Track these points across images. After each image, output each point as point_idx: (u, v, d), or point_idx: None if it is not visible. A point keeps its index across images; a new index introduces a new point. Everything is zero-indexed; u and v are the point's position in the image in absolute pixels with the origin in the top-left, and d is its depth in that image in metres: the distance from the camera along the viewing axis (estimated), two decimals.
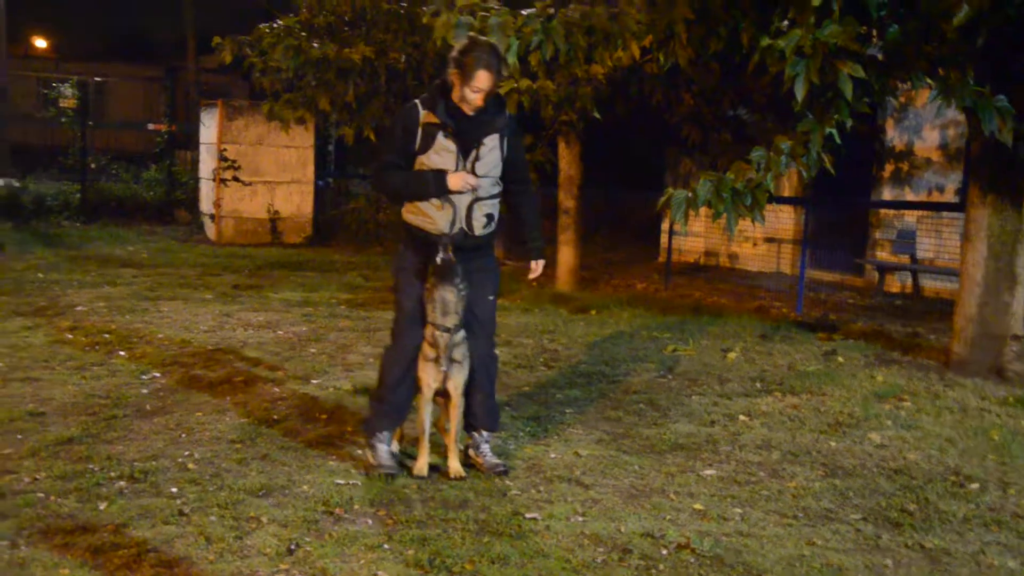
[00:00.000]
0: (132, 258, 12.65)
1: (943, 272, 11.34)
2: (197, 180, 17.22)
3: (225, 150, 15.41)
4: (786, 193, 14.07)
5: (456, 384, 4.78)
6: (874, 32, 6.40)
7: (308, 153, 16.13)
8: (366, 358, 7.34)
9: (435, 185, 4.61)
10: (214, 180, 15.55)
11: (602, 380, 6.94)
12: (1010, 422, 6.06)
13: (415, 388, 4.84)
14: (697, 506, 4.51)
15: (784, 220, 14.07)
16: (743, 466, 5.12)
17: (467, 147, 4.64)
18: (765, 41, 5.91)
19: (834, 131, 6.01)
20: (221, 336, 7.94)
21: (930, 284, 12.05)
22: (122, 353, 7.13)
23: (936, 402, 6.49)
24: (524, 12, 7.04)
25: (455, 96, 4.60)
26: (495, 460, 4.96)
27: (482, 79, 4.52)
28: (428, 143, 4.60)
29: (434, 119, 4.59)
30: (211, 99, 16.61)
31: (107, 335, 7.69)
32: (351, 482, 4.63)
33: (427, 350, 4.75)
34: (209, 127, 16.00)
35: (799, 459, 5.27)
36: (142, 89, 22.27)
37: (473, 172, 4.65)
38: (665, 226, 14.70)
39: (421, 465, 4.78)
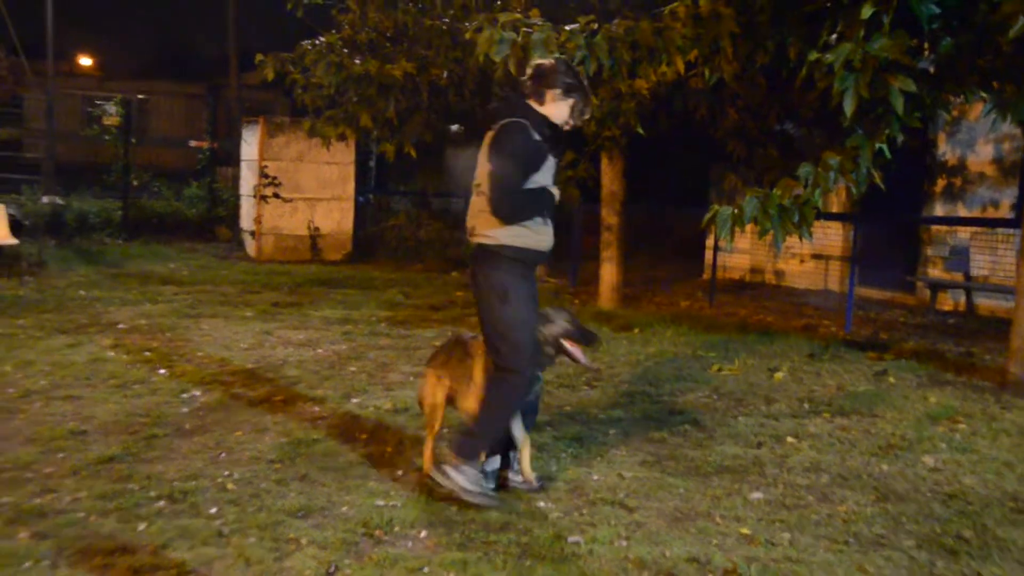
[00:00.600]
0: (173, 275, 12.80)
1: (998, 290, 11.16)
2: (238, 197, 17.41)
3: (266, 167, 15.58)
4: (834, 209, 13.95)
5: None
6: (926, 45, 6.33)
7: (349, 170, 16.27)
8: (406, 377, 7.35)
9: (552, 201, 4.71)
10: (255, 197, 15.73)
11: (646, 400, 6.89)
12: None
13: None
14: (744, 530, 4.45)
15: (832, 236, 13.93)
16: (791, 489, 5.05)
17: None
18: (813, 55, 5.86)
19: (884, 146, 5.94)
20: (261, 354, 8.00)
21: (984, 302, 11.86)
22: (162, 371, 7.20)
23: (992, 424, 6.37)
24: (567, 27, 7.04)
25: (543, 113, 4.71)
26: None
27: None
28: (540, 162, 4.65)
29: (539, 138, 4.67)
30: (253, 116, 16.82)
31: (148, 353, 7.78)
32: (391, 503, 4.63)
33: None
34: (250, 144, 16.19)
35: (849, 483, 5.18)
36: (184, 106, 22.63)
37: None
38: (710, 243, 14.64)
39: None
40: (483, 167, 4.64)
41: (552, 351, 4.79)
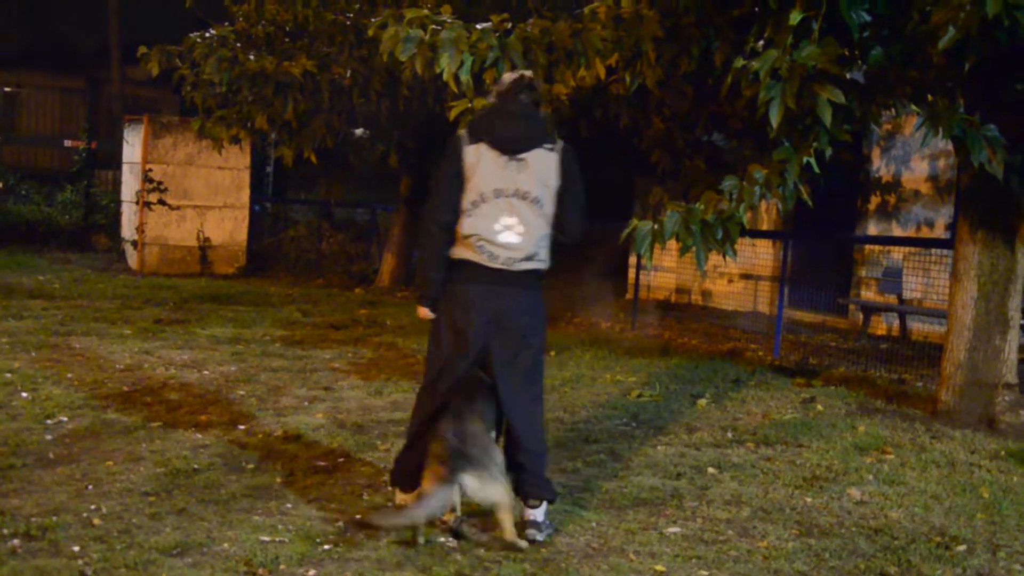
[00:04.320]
0: (42, 289, 12.49)
1: (932, 313, 11.49)
2: (119, 203, 17.09)
3: (151, 170, 15.33)
4: (764, 226, 14.23)
5: None
6: (856, 54, 6.52)
7: (243, 175, 16.10)
8: (300, 401, 7.28)
9: None
10: (138, 203, 15.45)
11: (559, 428, 6.93)
12: (1001, 478, 6.12)
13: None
14: (659, 567, 4.50)
15: (762, 255, 14.18)
16: (710, 523, 5.13)
17: None
18: (739, 62, 6.00)
19: (812, 160, 6.09)
20: (139, 376, 7.85)
21: (919, 326, 12.19)
22: (25, 395, 7.01)
23: (922, 455, 6.55)
24: (479, 26, 7.08)
25: None
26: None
27: None
28: None
29: None
30: (136, 114, 16.55)
31: (8, 375, 7.57)
32: (278, 539, 4.57)
33: None
34: (133, 145, 15.92)
35: (771, 516, 5.28)
36: (59, 102, 22.15)
37: None
38: (633, 261, 14.79)
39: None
40: (546, 186, 4.78)
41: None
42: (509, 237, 4.70)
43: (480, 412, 4.77)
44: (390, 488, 5.12)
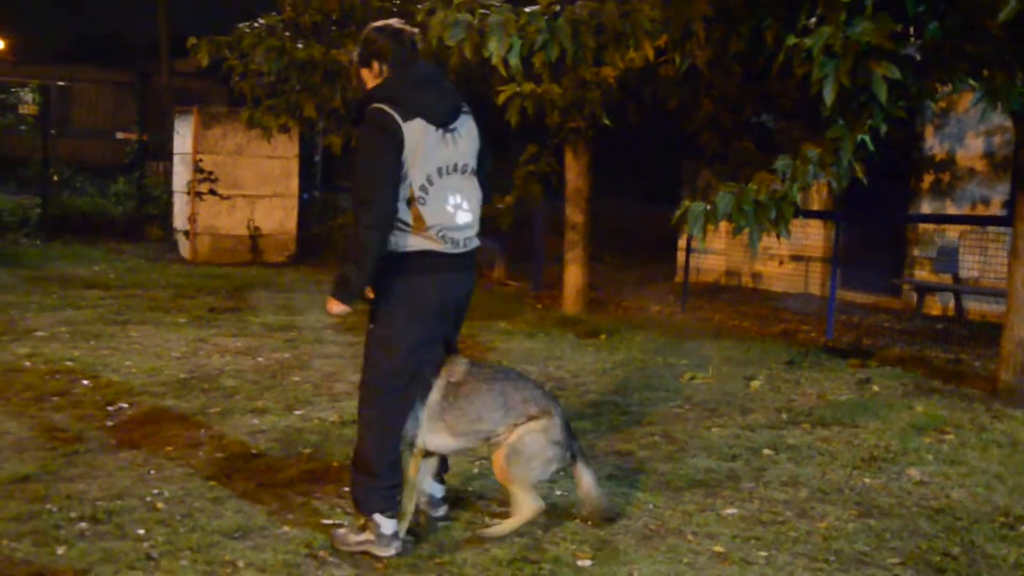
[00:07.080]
0: (98, 279, 12.65)
1: (989, 293, 11.33)
2: (170, 194, 17.26)
3: (201, 161, 15.46)
4: (815, 206, 14.10)
5: None
6: (911, 29, 6.42)
7: (292, 164, 16.18)
8: (354, 387, 7.29)
9: None
10: (189, 194, 15.60)
11: (613, 411, 6.92)
12: None
13: None
14: (717, 548, 4.49)
15: (813, 236, 14.07)
16: (768, 504, 5.10)
17: None
18: (791, 40, 5.93)
19: (867, 138, 6.02)
20: (195, 363, 7.94)
21: (975, 306, 12.04)
22: (85, 382, 7.12)
23: (982, 435, 6.47)
24: (528, 9, 7.08)
25: None
26: None
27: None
28: None
29: None
30: (186, 106, 16.68)
31: (69, 362, 7.69)
32: (337, 522, 4.61)
33: None
34: (184, 136, 16.06)
35: (830, 497, 5.24)
36: (111, 95, 22.35)
37: None
38: (682, 243, 14.74)
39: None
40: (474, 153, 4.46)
41: None
42: (463, 217, 4.33)
43: None
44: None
